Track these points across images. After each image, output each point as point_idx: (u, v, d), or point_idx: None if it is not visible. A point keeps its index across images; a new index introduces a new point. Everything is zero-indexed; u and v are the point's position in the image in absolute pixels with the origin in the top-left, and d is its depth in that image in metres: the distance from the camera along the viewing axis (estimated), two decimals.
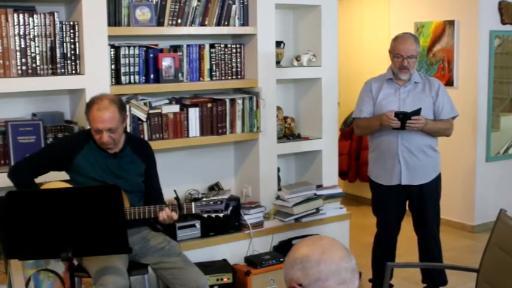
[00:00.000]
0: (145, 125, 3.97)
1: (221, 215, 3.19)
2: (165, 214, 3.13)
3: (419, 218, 4.07)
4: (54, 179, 3.33)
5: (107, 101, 3.13)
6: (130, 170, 3.29)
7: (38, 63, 3.60)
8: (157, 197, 3.38)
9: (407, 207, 4.13)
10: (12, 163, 3.54)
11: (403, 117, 3.73)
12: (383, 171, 4.01)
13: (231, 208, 3.25)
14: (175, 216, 3.14)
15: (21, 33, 3.53)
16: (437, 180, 4.06)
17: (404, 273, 4.42)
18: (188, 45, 4.19)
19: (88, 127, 3.34)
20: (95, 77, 3.69)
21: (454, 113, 4.00)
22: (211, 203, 3.17)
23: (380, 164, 4.02)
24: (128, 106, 3.86)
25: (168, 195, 3.63)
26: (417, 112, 3.76)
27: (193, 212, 3.17)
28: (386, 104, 3.90)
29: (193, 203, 3.17)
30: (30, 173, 3.22)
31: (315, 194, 4.49)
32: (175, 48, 4.16)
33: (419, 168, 3.93)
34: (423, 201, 4.00)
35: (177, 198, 3.18)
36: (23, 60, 3.56)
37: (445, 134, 4.01)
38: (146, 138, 3.93)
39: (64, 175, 3.31)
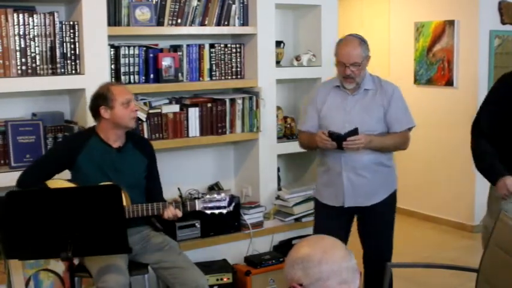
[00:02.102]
0: (145, 125, 3.97)
1: (224, 211, 3.20)
2: (170, 212, 3.14)
3: (368, 245, 3.60)
4: (57, 178, 3.33)
5: (116, 82, 3.41)
6: (132, 164, 3.31)
7: (37, 63, 3.60)
8: (157, 198, 3.38)
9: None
10: (12, 163, 3.55)
11: (337, 139, 3.29)
12: (328, 190, 3.55)
13: (233, 204, 3.26)
14: (179, 213, 3.17)
15: (21, 33, 3.53)
16: (391, 199, 3.58)
17: (404, 273, 4.41)
18: (188, 45, 4.19)
19: (88, 126, 3.34)
20: (94, 77, 3.68)
21: (409, 124, 3.50)
22: (214, 199, 3.18)
23: (324, 181, 3.57)
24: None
25: (169, 193, 3.64)
26: (353, 132, 3.28)
27: (197, 209, 3.18)
28: (331, 116, 3.45)
29: (196, 200, 3.18)
30: (38, 182, 3.19)
31: None
32: (175, 48, 4.16)
33: (367, 189, 3.46)
34: (373, 224, 3.53)
35: (181, 195, 3.19)
36: (23, 60, 3.55)
37: (399, 149, 3.55)
38: None
39: (65, 174, 3.31)
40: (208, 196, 3.21)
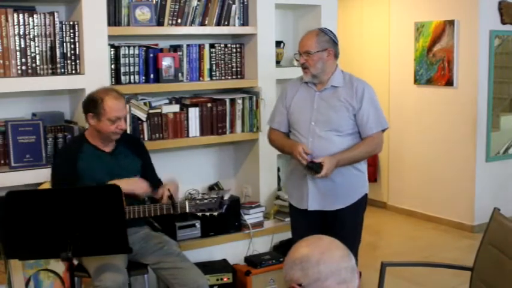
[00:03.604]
0: (145, 125, 3.97)
1: (215, 213, 3.19)
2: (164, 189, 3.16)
3: None
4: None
5: (115, 92, 3.24)
6: (126, 166, 3.30)
7: (37, 63, 3.60)
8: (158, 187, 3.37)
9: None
10: (12, 163, 3.54)
11: (312, 167, 3.23)
12: (294, 192, 3.48)
13: (225, 206, 3.22)
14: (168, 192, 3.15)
15: (21, 33, 3.53)
16: (360, 203, 3.40)
17: (404, 273, 4.42)
18: (188, 45, 4.19)
19: (88, 126, 3.34)
20: (95, 77, 3.69)
21: (382, 126, 3.34)
22: (205, 201, 3.17)
23: (292, 182, 3.50)
24: (127, 106, 3.87)
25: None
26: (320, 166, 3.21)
27: (187, 210, 3.17)
28: (298, 113, 3.38)
29: (187, 201, 3.17)
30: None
31: None
32: (175, 48, 4.16)
33: (334, 192, 3.33)
34: (338, 228, 3.28)
35: (170, 196, 3.16)
36: (23, 60, 3.55)
37: (372, 155, 3.42)
38: (146, 138, 3.94)
39: None
40: (199, 197, 3.20)
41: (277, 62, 4.56)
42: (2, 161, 3.61)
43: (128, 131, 3.84)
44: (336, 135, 3.30)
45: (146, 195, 3.26)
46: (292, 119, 3.42)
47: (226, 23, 4.24)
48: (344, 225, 3.33)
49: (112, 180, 3.10)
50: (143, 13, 3.91)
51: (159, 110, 4.03)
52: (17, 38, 3.52)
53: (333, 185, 3.32)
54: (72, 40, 3.69)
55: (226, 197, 4.14)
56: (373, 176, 6.54)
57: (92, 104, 3.19)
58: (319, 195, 3.34)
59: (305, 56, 3.31)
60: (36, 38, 3.58)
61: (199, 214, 3.19)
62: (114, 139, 3.26)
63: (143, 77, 4.03)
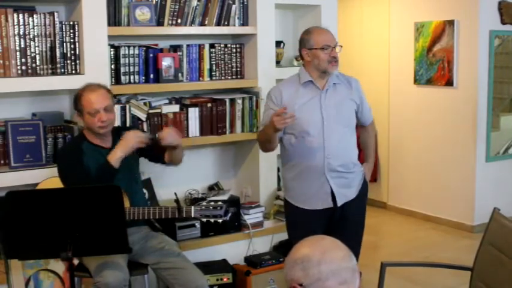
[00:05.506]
0: (145, 125, 3.97)
1: (220, 220, 3.19)
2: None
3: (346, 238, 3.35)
4: (52, 176, 3.34)
5: (94, 85, 3.27)
6: (126, 157, 3.27)
7: (37, 63, 3.60)
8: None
9: None
10: (12, 163, 3.55)
11: None
12: (307, 194, 3.42)
13: (230, 214, 3.23)
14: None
15: (21, 33, 3.53)
16: (364, 190, 3.54)
17: (404, 272, 4.42)
18: (188, 45, 4.19)
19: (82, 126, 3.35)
20: (94, 77, 3.67)
21: (371, 115, 3.64)
22: (211, 207, 3.16)
23: (304, 184, 3.42)
24: (127, 106, 3.87)
25: (168, 196, 3.62)
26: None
27: (193, 216, 3.18)
28: (307, 115, 3.33)
29: (192, 207, 3.17)
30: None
31: None
32: (175, 48, 4.16)
33: (348, 186, 3.44)
34: (346, 220, 3.44)
35: (177, 200, 3.17)
36: (23, 60, 3.55)
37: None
38: None
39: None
40: (204, 203, 3.20)
41: (277, 62, 4.56)
42: (2, 161, 3.61)
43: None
44: (347, 131, 3.43)
45: (149, 139, 3.27)
46: (300, 121, 3.30)
47: (226, 23, 4.24)
48: (350, 217, 3.44)
49: (109, 156, 3.16)
50: (143, 13, 3.91)
51: (159, 110, 4.03)
52: (17, 38, 3.52)
53: (347, 180, 3.44)
54: (72, 40, 3.69)
55: (226, 197, 4.17)
56: (373, 175, 6.53)
57: (75, 102, 3.25)
58: (341, 189, 3.41)
59: (337, 48, 3.37)
60: (36, 38, 3.58)
61: (204, 220, 3.19)
62: (102, 133, 3.24)
63: (143, 77, 4.03)
